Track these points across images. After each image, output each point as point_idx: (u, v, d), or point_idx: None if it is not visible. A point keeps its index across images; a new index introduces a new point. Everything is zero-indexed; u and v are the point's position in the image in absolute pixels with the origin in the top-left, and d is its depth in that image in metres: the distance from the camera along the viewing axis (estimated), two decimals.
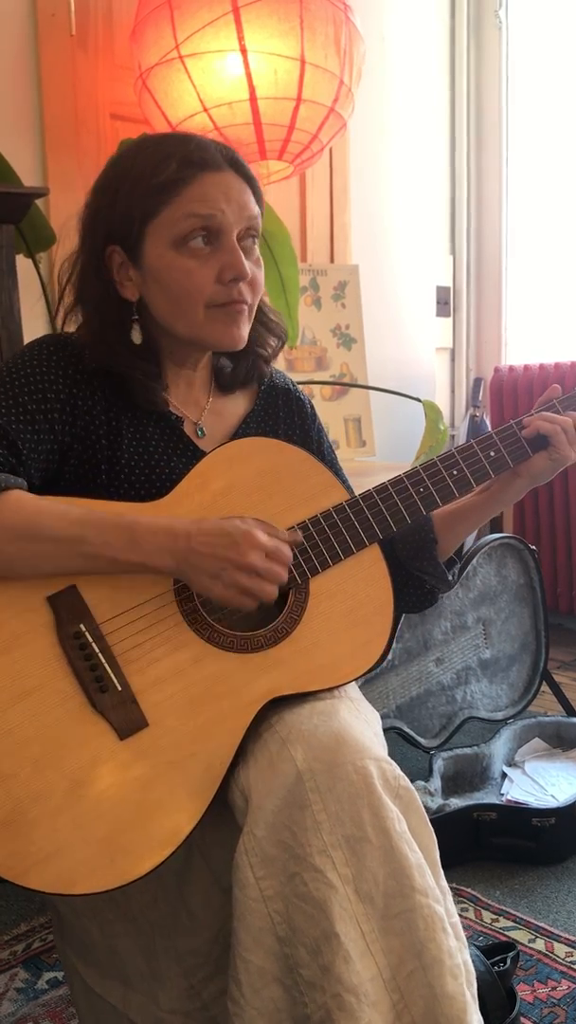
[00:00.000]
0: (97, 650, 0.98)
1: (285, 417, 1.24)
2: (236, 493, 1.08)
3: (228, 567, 0.97)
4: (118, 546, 0.97)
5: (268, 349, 1.21)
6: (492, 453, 1.13)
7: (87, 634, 0.99)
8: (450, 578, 1.22)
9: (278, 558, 1.00)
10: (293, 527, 1.08)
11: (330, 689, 1.05)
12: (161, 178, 1.04)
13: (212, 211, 1.04)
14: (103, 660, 0.98)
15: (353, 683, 1.11)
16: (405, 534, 1.20)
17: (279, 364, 2.85)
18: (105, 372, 1.09)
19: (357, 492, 1.14)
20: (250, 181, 1.09)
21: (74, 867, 0.91)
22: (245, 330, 1.10)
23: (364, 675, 1.08)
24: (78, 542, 0.97)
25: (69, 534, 0.97)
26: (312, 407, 1.29)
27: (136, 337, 1.09)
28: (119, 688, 0.98)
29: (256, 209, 1.09)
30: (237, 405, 1.21)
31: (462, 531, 1.20)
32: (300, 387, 1.31)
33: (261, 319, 1.20)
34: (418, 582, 1.23)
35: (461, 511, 1.20)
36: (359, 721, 1.01)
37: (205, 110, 2.12)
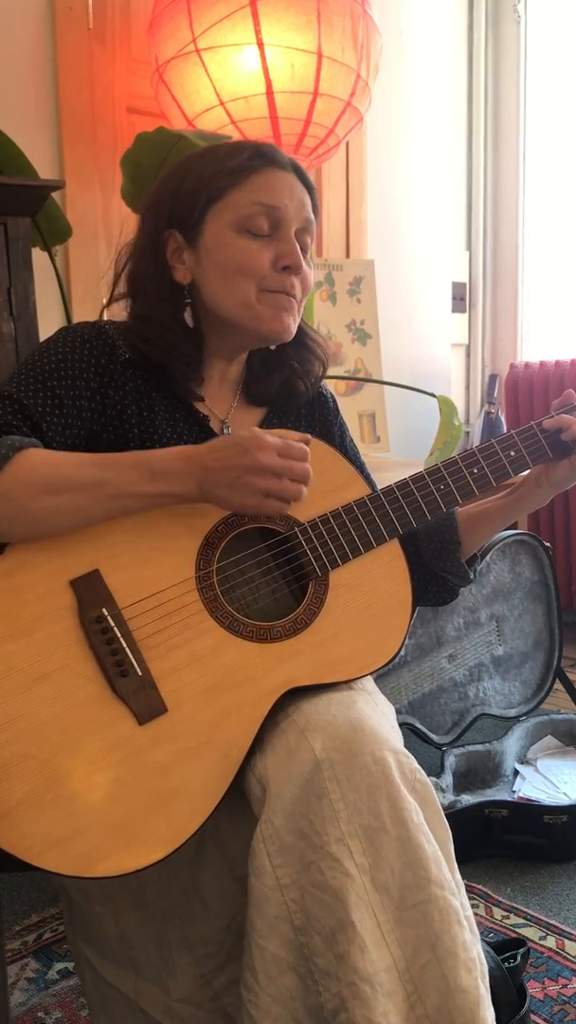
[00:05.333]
0: (119, 635, 0.99)
1: (307, 414, 1.25)
2: None
3: (243, 473, 0.98)
4: (139, 480, 0.99)
5: (307, 368, 1.22)
6: (512, 453, 1.14)
7: (109, 618, 0.99)
8: (472, 577, 1.24)
9: (292, 454, 1.00)
10: (324, 515, 1.09)
11: (347, 682, 1.05)
12: (232, 163, 1.09)
13: (278, 203, 1.09)
14: (124, 645, 0.99)
15: (369, 676, 1.12)
16: (429, 535, 1.22)
17: None
18: (138, 364, 1.10)
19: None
20: (310, 190, 1.14)
21: (90, 850, 0.91)
22: (293, 324, 1.12)
23: (381, 669, 1.09)
24: (100, 485, 0.98)
25: (90, 479, 0.98)
26: (335, 401, 1.29)
27: (189, 320, 1.12)
28: (139, 673, 0.98)
29: (312, 215, 1.13)
30: (260, 408, 1.23)
31: (484, 534, 1.21)
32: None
33: (302, 337, 1.21)
34: (441, 580, 1.24)
35: (485, 514, 1.20)
36: (377, 713, 1.01)
37: (221, 104, 2.12)
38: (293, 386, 1.21)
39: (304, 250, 1.12)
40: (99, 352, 1.08)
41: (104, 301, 1.19)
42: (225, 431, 1.16)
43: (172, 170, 1.15)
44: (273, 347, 1.18)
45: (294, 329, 1.13)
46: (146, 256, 1.13)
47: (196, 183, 1.10)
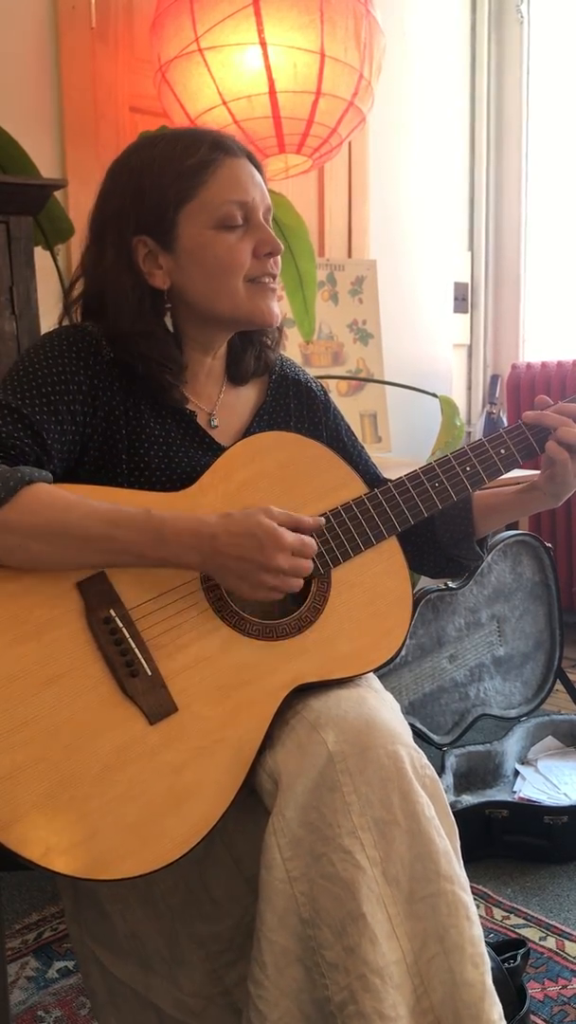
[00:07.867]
0: (128, 635, 0.99)
1: (296, 409, 1.26)
2: (259, 485, 1.10)
3: (255, 569, 0.98)
4: (145, 544, 0.98)
5: (268, 338, 1.25)
6: (503, 451, 1.16)
7: (117, 619, 0.99)
8: (484, 556, 1.28)
9: (303, 553, 1.01)
10: (324, 514, 1.11)
11: (353, 678, 1.07)
12: (191, 161, 1.08)
13: (247, 197, 1.10)
14: (133, 645, 0.99)
15: (373, 675, 1.13)
16: (446, 525, 1.24)
17: (295, 358, 2.84)
18: (122, 364, 1.09)
19: None
20: (261, 172, 1.16)
21: (106, 852, 0.91)
22: (278, 307, 1.15)
23: (385, 665, 1.10)
24: (106, 540, 0.98)
25: (97, 532, 0.97)
26: (325, 396, 1.30)
27: (169, 325, 1.12)
28: (149, 673, 0.98)
29: (268, 198, 1.16)
30: (248, 397, 1.23)
31: (496, 523, 1.25)
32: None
33: None
34: (456, 562, 1.28)
35: (499, 506, 1.23)
36: (387, 709, 1.02)
37: (224, 103, 2.12)
38: (265, 358, 1.24)
39: None
40: (86, 353, 1.07)
41: (67, 314, 1.18)
42: (212, 424, 1.17)
43: (120, 174, 1.12)
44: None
45: (279, 313, 1.16)
46: (117, 268, 1.09)
47: (159, 186, 1.08)
